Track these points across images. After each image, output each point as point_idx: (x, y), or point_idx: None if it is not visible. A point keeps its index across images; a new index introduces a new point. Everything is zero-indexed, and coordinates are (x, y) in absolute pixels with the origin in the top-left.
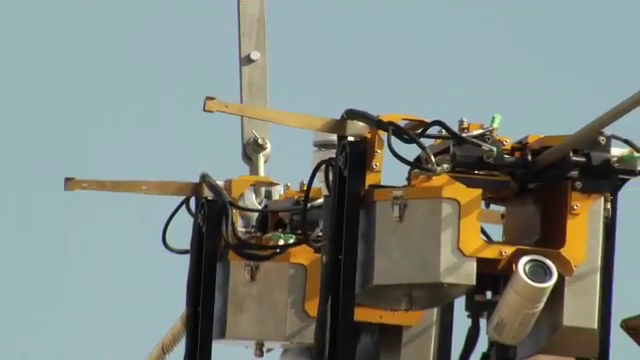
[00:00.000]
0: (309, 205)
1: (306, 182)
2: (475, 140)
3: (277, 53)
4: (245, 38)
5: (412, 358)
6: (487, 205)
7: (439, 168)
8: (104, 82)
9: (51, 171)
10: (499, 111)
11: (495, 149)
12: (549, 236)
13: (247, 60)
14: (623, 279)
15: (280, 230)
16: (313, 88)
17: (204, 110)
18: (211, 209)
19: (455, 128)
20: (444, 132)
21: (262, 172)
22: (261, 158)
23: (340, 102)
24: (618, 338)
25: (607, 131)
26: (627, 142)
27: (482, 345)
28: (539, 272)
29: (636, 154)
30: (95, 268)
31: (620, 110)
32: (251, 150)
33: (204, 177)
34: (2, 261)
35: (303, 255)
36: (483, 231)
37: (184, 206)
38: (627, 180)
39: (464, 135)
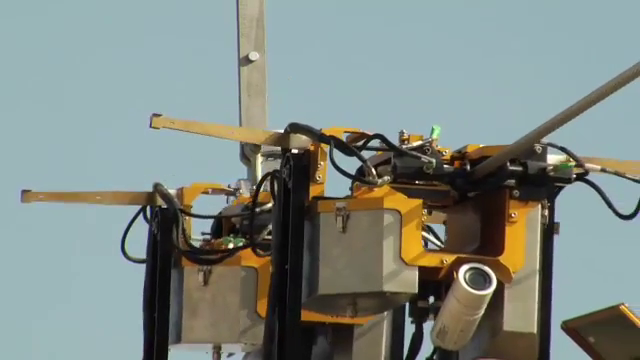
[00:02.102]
0: (259, 209)
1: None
2: (414, 153)
3: (276, 53)
4: (244, 38)
5: (364, 351)
6: (429, 212)
7: (380, 180)
8: (103, 82)
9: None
10: (439, 121)
11: (434, 160)
12: (488, 243)
13: (246, 60)
14: (564, 282)
15: (232, 235)
16: (312, 88)
17: (150, 127)
18: (164, 217)
19: (396, 140)
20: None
21: (260, 173)
22: (259, 159)
23: (339, 102)
24: (559, 340)
25: (544, 139)
26: (563, 150)
27: (426, 349)
28: (479, 280)
29: (571, 162)
30: (95, 270)
31: (557, 121)
32: (249, 151)
33: (156, 186)
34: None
35: (254, 258)
36: (432, 232)
37: (141, 215)
38: (563, 187)
39: (404, 147)
